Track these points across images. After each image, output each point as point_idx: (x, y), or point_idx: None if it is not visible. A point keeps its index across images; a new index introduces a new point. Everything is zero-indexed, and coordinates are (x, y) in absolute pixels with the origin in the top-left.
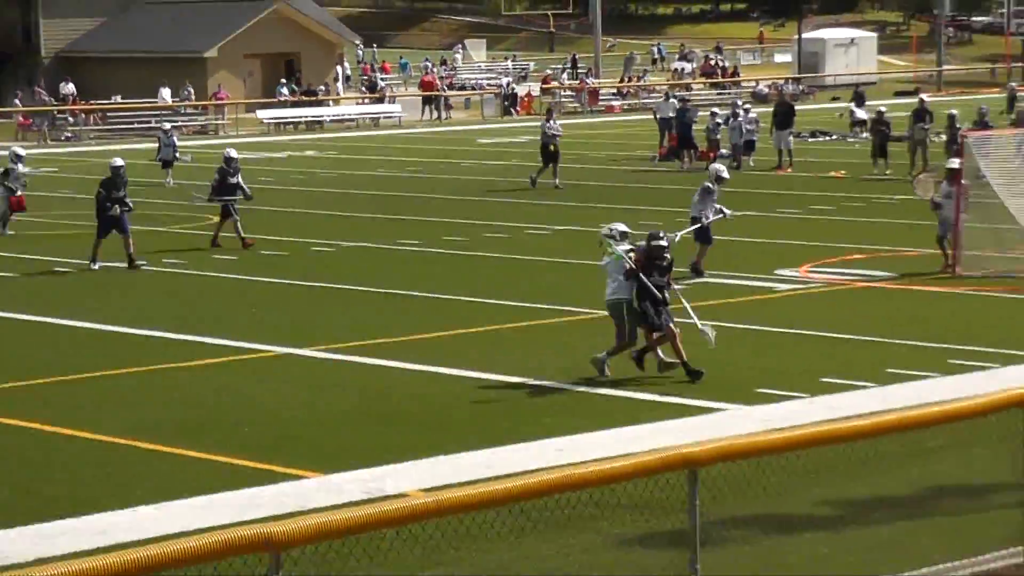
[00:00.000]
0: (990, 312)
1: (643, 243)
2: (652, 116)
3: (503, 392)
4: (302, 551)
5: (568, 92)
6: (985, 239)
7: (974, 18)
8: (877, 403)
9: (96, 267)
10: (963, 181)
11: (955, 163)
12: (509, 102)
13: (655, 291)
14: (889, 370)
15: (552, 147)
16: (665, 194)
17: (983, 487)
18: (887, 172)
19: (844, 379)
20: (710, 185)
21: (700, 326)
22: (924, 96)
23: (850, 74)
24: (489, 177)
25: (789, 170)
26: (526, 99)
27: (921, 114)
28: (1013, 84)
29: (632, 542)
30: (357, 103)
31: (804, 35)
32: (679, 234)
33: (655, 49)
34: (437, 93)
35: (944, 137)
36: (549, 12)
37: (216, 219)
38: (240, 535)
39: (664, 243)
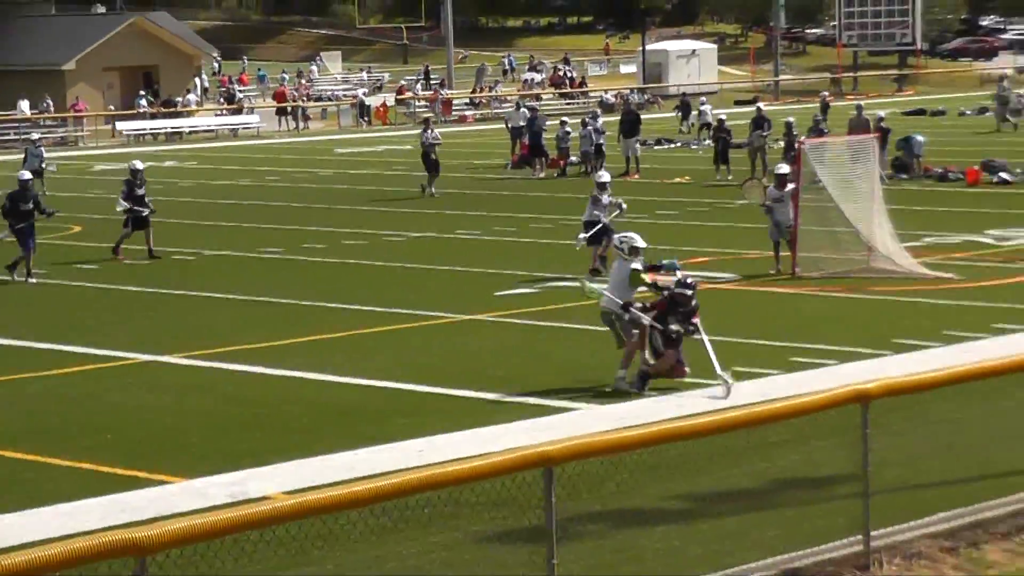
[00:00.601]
0: (828, 311)
1: (667, 276)
2: (504, 125)
3: (364, 395)
4: (167, 555)
5: (422, 102)
6: (822, 241)
7: (808, 30)
8: (723, 400)
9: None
10: (791, 185)
11: (783, 169)
12: (361, 112)
13: (669, 333)
14: (734, 368)
15: (432, 155)
16: (518, 200)
17: (824, 479)
18: (728, 178)
19: (692, 377)
20: (596, 194)
21: (718, 372)
22: (762, 105)
23: (692, 84)
24: (347, 185)
25: (636, 177)
26: (381, 109)
27: (760, 122)
28: (825, 93)
29: (491, 539)
30: (216, 114)
31: (648, 47)
32: (581, 238)
33: (505, 60)
34: (291, 104)
35: (782, 144)
36: (402, 25)
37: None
38: (105, 540)
39: (689, 292)
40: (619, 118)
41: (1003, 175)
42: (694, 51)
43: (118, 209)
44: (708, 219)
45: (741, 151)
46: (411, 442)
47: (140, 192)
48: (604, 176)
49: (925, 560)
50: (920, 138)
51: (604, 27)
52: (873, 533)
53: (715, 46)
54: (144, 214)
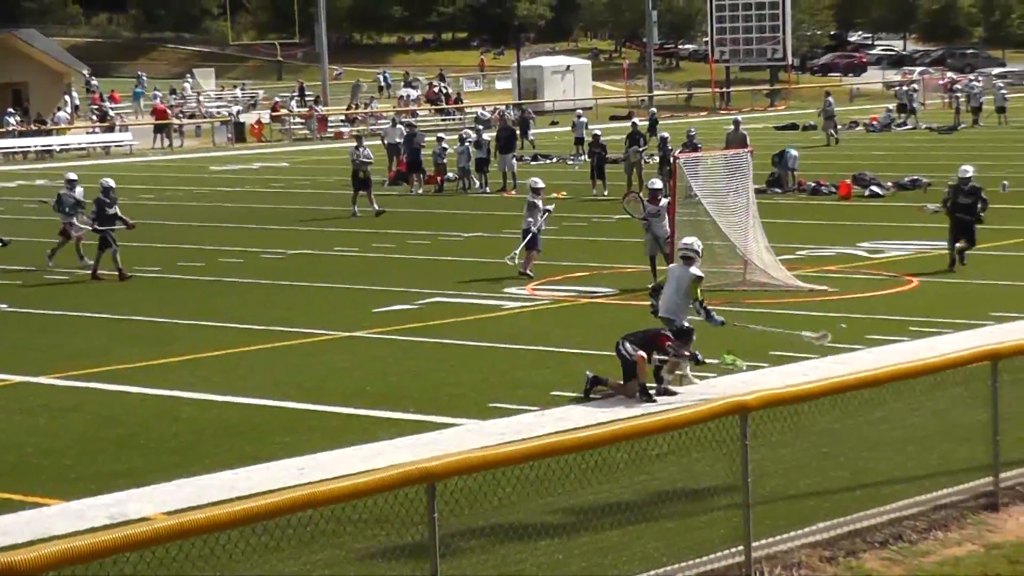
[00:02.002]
0: (705, 324)
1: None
2: (380, 142)
3: (243, 413)
4: None
5: (298, 120)
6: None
7: (681, 46)
8: (604, 414)
9: None
10: (664, 200)
11: (656, 184)
12: (235, 130)
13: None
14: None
15: (362, 174)
16: (396, 217)
17: (704, 490)
18: (605, 193)
19: (573, 391)
20: (532, 200)
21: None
22: (637, 120)
23: (567, 99)
24: (223, 203)
25: (513, 192)
26: (256, 126)
27: (635, 137)
28: (654, 109)
29: (374, 556)
30: (87, 132)
31: (523, 63)
32: (515, 253)
33: (381, 77)
34: (170, 121)
35: (657, 158)
36: (276, 41)
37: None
38: None
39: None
40: (495, 134)
41: (874, 188)
42: (568, 67)
43: (89, 229)
44: (586, 234)
45: (617, 166)
46: (292, 460)
47: (111, 211)
48: (540, 182)
49: (805, 569)
50: (794, 152)
51: (479, 43)
52: (754, 544)
53: (589, 62)
54: (113, 234)
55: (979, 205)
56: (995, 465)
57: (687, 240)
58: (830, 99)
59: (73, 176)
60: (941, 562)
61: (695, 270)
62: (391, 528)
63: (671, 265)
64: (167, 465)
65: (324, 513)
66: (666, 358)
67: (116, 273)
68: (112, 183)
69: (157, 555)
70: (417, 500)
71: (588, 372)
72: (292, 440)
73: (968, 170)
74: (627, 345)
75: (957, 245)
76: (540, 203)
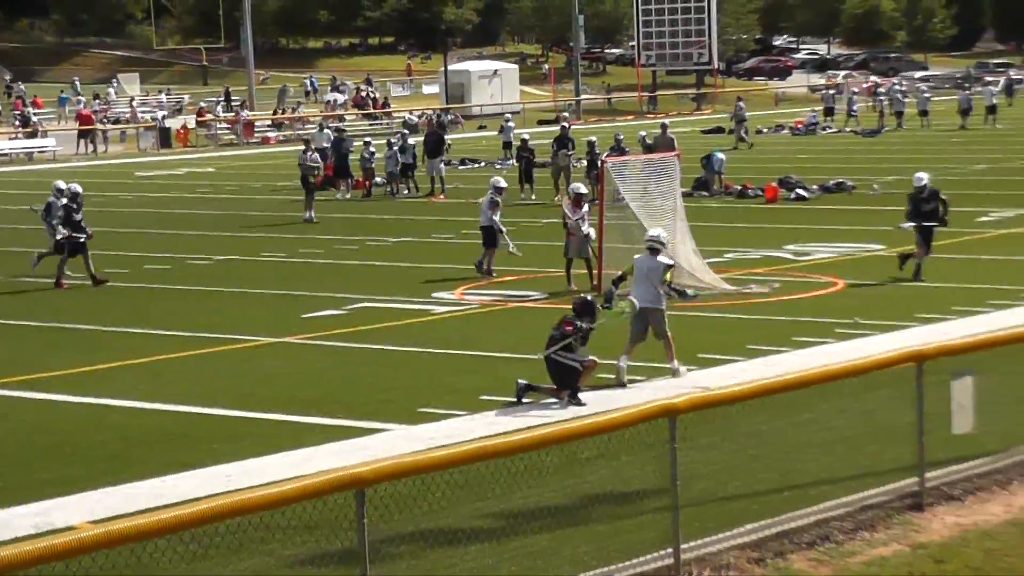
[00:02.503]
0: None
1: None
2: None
3: (171, 421)
4: None
5: (224, 125)
6: (626, 259)
7: (608, 50)
8: (533, 418)
9: None
10: (587, 206)
11: (580, 189)
12: (161, 135)
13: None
14: (544, 385)
15: (312, 179)
16: (324, 222)
17: (634, 493)
18: (532, 197)
19: (502, 395)
20: (495, 198)
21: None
22: (565, 124)
23: (495, 104)
24: (149, 209)
25: (442, 197)
26: (182, 132)
27: (563, 141)
28: (566, 113)
29: (304, 562)
30: (10, 138)
31: (450, 67)
32: (480, 265)
33: (307, 81)
34: (94, 127)
35: (585, 162)
36: (202, 46)
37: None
38: None
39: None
40: (422, 138)
41: (800, 191)
42: (496, 71)
43: (57, 237)
44: (514, 238)
45: (545, 170)
46: (220, 467)
47: (78, 217)
48: (503, 181)
49: (734, 571)
50: (720, 155)
51: (406, 48)
52: (683, 546)
53: (516, 66)
54: (81, 240)
55: (941, 209)
56: (921, 465)
57: (654, 232)
58: (741, 103)
59: (62, 184)
60: (868, 562)
61: (664, 259)
62: (320, 534)
63: (637, 257)
64: (94, 473)
65: (253, 520)
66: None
67: (90, 279)
68: (80, 189)
69: (83, 564)
70: (346, 506)
71: (520, 380)
72: (220, 447)
73: (923, 177)
74: (566, 354)
75: (910, 256)
76: (501, 202)
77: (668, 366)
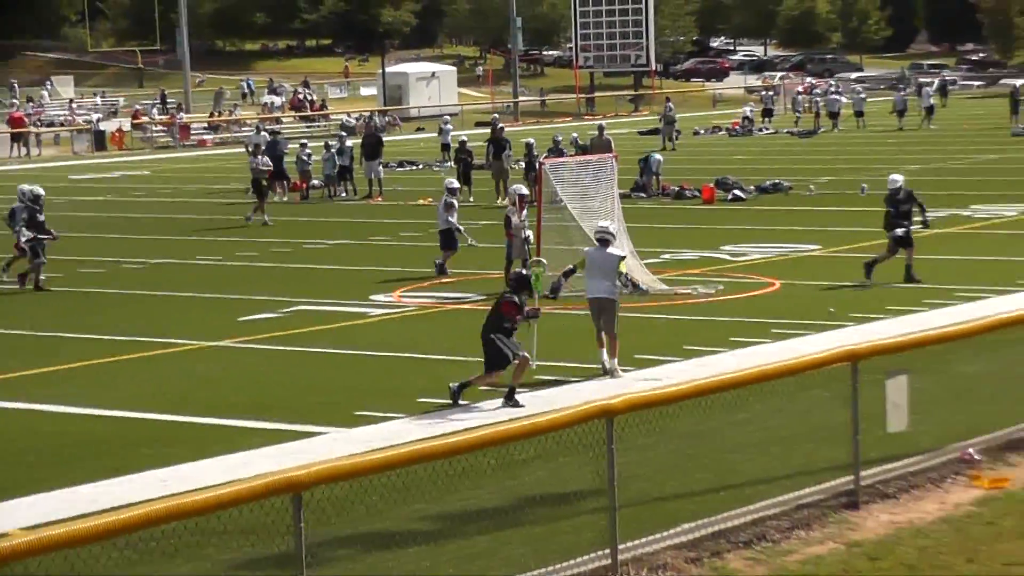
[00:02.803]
0: (571, 329)
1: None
2: (244, 149)
3: (106, 426)
4: None
5: (159, 127)
6: (564, 260)
7: (545, 52)
8: (471, 420)
9: None
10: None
11: (523, 189)
12: (95, 138)
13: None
14: (482, 388)
15: (264, 182)
16: (260, 225)
17: (571, 494)
18: (471, 199)
19: (440, 398)
20: (449, 200)
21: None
22: (503, 126)
23: (433, 106)
24: (83, 213)
25: (380, 199)
26: (117, 134)
27: (498, 144)
28: (497, 116)
29: (240, 567)
30: None
31: (388, 69)
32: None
33: (244, 84)
34: (27, 129)
35: (523, 164)
36: (137, 49)
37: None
38: None
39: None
40: (361, 141)
41: (737, 192)
42: (434, 73)
43: (22, 240)
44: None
45: (484, 172)
46: (155, 472)
47: (41, 219)
48: (455, 182)
49: (671, 571)
50: (658, 157)
51: (343, 50)
52: (620, 546)
53: (454, 68)
54: (45, 242)
55: (918, 209)
56: (855, 464)
57: (603, 223)
58: (670, 104)
59: (25, 187)
60: (804, 561)
61: (616, 250)
62: (257, 539)
63: (588, 250)
64: (26, 480)
65: (188, 525)
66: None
67: (33, 285)
68: (42, 191)
69: (15, 571)
70: (283, 510)
71: (451, 384)
72: (156, 452)
73: (897, 179)
74: (506, 340)
75: (875, 262)
76: (456, 203)
77: (606, 364)
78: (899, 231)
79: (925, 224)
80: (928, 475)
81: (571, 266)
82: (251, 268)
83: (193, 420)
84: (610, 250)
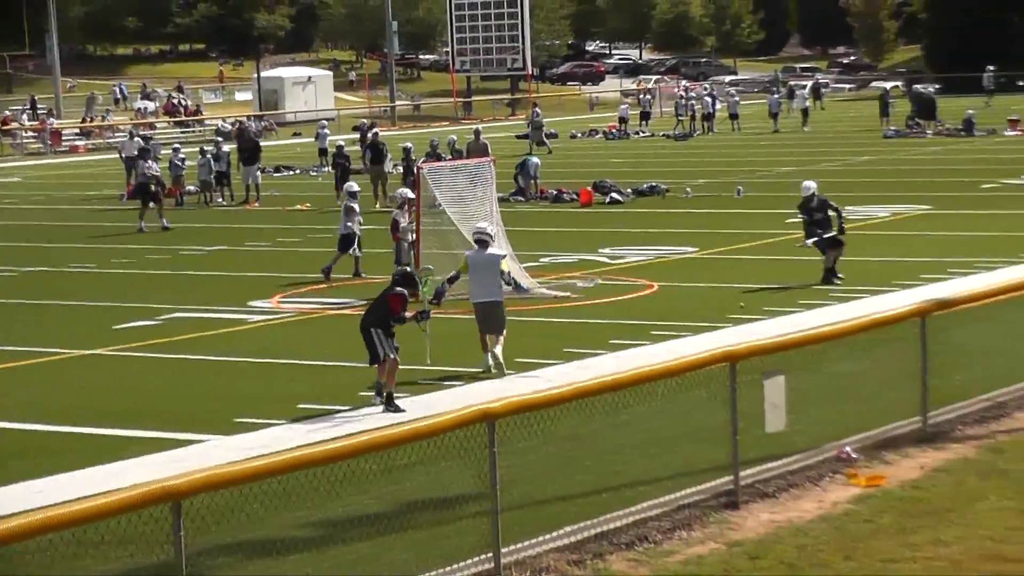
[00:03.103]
0: (453, 334)
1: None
2: (118, 155)
3: None
4: None
5: (30, 133)
6: (444, 265)
7: (422, 56)
8: (352, 425)
9: None
10: (410, 215)
11: (408, 193)
12: None
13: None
14: (361, 392)
15: (152, 187)
16: (135, 232)
17: (453, 498)
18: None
19: (320, 404)
20: (349, 204)
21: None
22: (379, 131)
23: (309, 111)
24: None
25: (257, 205)
26: None
27: (375, 148)
28: (365, 121)
29: None
30: None
31: (263, 74)
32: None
33: (116, 89)
34: None
35: (401, 169)
36: (5, 54)
37: None
38: None
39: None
40: (237, 146)
41: (614, 195)
42: (310, 78)
43: None
44: (332, 245)
45: (362, 176)
46: (30, 483)
47: None
48: (355, 186)
49: (553, 573)
50: (535, 160)
51: (217, 54)
52: (503, 550)
53: (330, 73)
54: None
55: (835, 214)
56: (735, 464)
57: (481, 224)
58: (537, 110)
59: None
60: (685, 561)
61: (496, 250)
62: (136, 549)
63: (468, 253)
64: None
65: (64, 536)
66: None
67: None
68: None
69: None
70: (162, 519)
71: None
72: (30, 463)
73: (810, 186)
74: (383, 336)
75: (826, 264)
76: (358, 207)
77: (492, 361)
78: (808, 242)
79: (842, 231)
80: (807, 474)
81: (455, 272)
82: (126, 275)
83: (68, 430)
84: (490, 251)
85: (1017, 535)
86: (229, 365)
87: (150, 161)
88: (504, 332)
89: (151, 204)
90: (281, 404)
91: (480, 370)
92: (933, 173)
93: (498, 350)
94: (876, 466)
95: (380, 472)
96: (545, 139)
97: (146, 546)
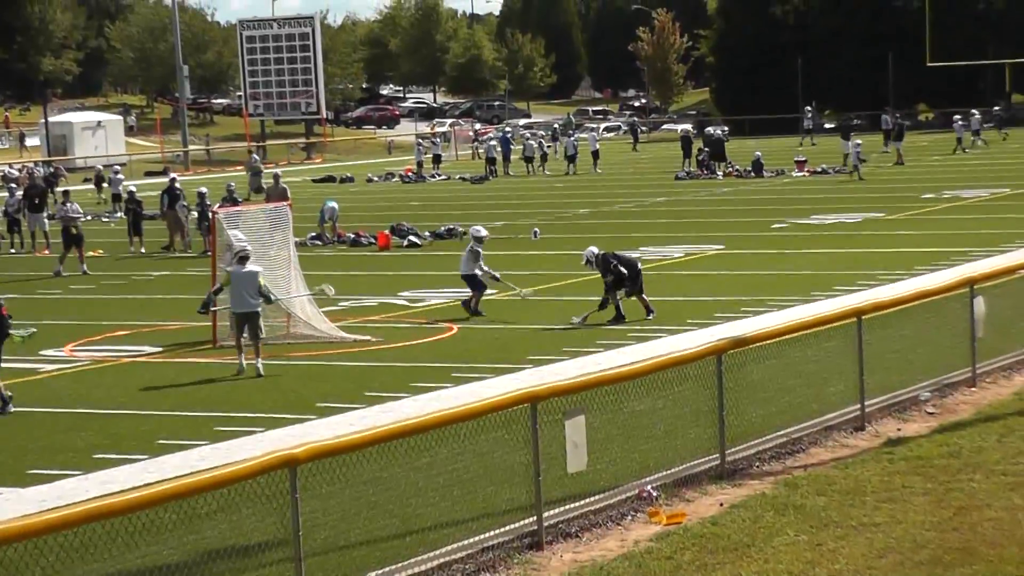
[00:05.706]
0: (251, 379)
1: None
2: None
3: None
4: None
5: None
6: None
7: (215, 100)
8: (150, 474)
9: None
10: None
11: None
12: None
13: None
14: (159, 441)
15: (74, 229)
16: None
17: (255, 546)
18: (142, 250)
19: (117, 453)
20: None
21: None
22: (174, 175)
23: (100, 156)
24: None
25: (46, 251)
26: None
27: (173, 192)
28: (167, 167)
29: None
30: None
31: (51, 119)
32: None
33: None
34: None
35: (196, 214)
36: None
37: None
38: None
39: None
40: (23, 192)
41: (412, 238)
42: (100, 122)
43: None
44: (126, 292)
45: (155, 222)
46: None
47: None
48: (483, 230)
49: None
50: (332, 204)
51: (3, 99)
52: None
53: (121, 117)
54: None
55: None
56: (538, 504)
57: (240, 243)
58: (255, 156)
59: None
60: None
61: (253, 266)
62: None
63: (229, 269)
64: None
65: None
66: None
67: None
68: None
69: None
70: None
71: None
72: None
73: (591, 253)
74: None
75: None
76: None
77: (245, 364)
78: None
79: (602, 306)
80: (609, 513)
81: (218, 284)
82: None
83: None
84: (248, 268)
85: (813, 569)
86: (20, 416)
87: (72, 203)
88: (260, 340)
89: (74, 247)
90: (75, 454)
91: (277, 416)
92: (725, 213)
93: (257, 360)
94: (677, 504)
95: (179, 521)
96: (263, 186)
97: None
